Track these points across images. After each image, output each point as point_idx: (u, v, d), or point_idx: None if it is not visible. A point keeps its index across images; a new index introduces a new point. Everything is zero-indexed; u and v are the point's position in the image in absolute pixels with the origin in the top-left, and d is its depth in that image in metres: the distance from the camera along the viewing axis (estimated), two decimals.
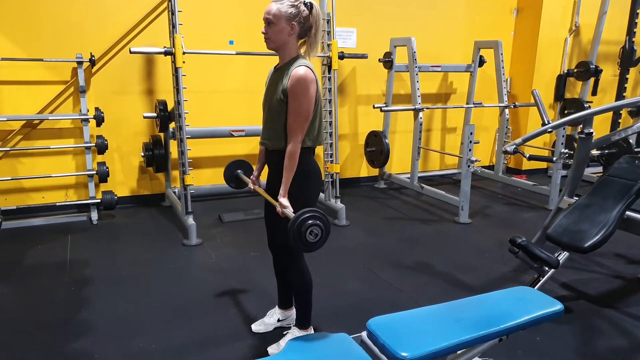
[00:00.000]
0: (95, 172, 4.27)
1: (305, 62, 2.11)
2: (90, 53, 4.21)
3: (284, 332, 2.49)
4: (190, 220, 3.88)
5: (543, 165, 6.42)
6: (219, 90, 4.90)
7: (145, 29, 4.51)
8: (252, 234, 4.00)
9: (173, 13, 3.71)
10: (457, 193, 4.48)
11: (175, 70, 3.77)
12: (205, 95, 4.82)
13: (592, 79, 5.99)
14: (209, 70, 4.79)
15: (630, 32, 5.76)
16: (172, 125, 4.35)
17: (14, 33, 4.07)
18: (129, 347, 2.44)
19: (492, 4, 6.03)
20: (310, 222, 1.84)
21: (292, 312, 2.58)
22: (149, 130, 4.71)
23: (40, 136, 4.32)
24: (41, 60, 4.11)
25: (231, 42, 4.80)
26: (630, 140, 5.11)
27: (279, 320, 2.60)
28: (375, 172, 5.83)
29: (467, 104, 5.98)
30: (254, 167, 2.56)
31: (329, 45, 4.27)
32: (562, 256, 2.77)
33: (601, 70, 5.94)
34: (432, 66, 5.54)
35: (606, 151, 5.39)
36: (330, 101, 4.36)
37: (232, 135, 4.48)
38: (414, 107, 5.14)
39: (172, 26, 3.74)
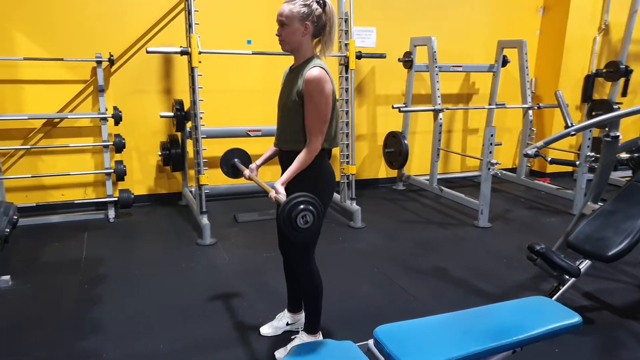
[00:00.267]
0: (112, 171, 4.31)
1: (319, 62, 2.07)
2: (109, 53, 4.25)
3: (292, 337, 2.45)
4: (205, 220, 3.87)
5: (569, 168, 6.22)
6: (237, 89, 4.89)
7: (163, 28, 4.53)
8: (266, 235, 3.97)
9: (190, 13, 3.70)
10: (478, 196, 4.36)
11: (191, 69, 3.77)
12: (222, 94, 4.81)
13: (622, 80, 5.77)
14: (227, 69, 4.78)
15: None
16: (188, 124, 4.36)
17: (36, 34, 4.14)
18: (137, 347, 2.43)
19: (518, 2, 5.87)
20: (302, 207, 1.76)
21: (302, 316, 2.54)
22: (167, 129, 4.73)
23: (60, 134, 4.38)
24: (61, 59, 4.17)
25: (249, 42, 4.79)
26: None
27: (287, 324, 2.56)
28: (394, 173, 5.74)
29: (490, 104, 5.84)
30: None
31: (346, 44, 4.21)
32: (584, 265, 2.66)
33: (631, 71, 5.71)
34: (453, 66, 5.43)
35: (635, 154, 5.18)
36: (347, 101, 4.30)
37: (248, 135, 4.46)
38: (433, 108, 5.04)
39: (189, 26, 3.73)
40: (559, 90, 3.21)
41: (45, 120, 4.29)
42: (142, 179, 4.79)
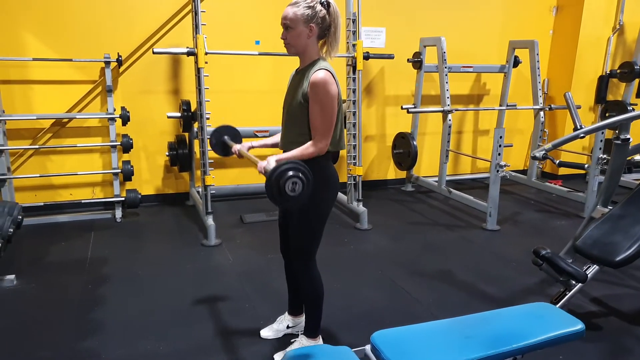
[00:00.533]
0: (120, 171, 4.33)
1: (325, 64, 2.04)
2: (118, 53, 4.27)
3: (292, 340, 2.43)
4: (210, 221, 3.87)
5: (581, 170, 6.11)
6: (244, 90, 4.88)
7: (171, 29, 4.55)
8: (271, 236, 3.92)
9: (196, 13, 3.70)
10: (487, 198, 4.30)
11: (198, 70, 3.76)
12: (230, 95, 4.81)
13: (637, 80, 5.66)
14: (234, 70, 4.78)
15: None
16: (195, 125, 4.36)
17: (45, 34, 4.18)
18: (137, 348, 2.43)
19: (530, 2, 5.79)
20: (290, 173, 1.72)
21: (302, 319, 2.52)
22: (174, 129, 4.74)
23: (68, 134, 4.42)
24: (70, 60, 4.20)
25: (257, 42, 4.78)
26: None
27: (288, 327, 2.54)
28: (403, 174, 5.69)
29: (501, 105, 5.77)
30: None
31: (354, 45, 4.18)
32: (591, 270, 2.59)
33: None
34: (464, 67, 5.36)
35: None
36: (354, 102, 4.27)
37: (256, 136, 4.45)
38: (442, 109, 4.99)
39: (195, 26, 3.73)
40: (568, 92, 3.14)
41: (54, 120, 4.33)
42: (149, 179, 4.81)
